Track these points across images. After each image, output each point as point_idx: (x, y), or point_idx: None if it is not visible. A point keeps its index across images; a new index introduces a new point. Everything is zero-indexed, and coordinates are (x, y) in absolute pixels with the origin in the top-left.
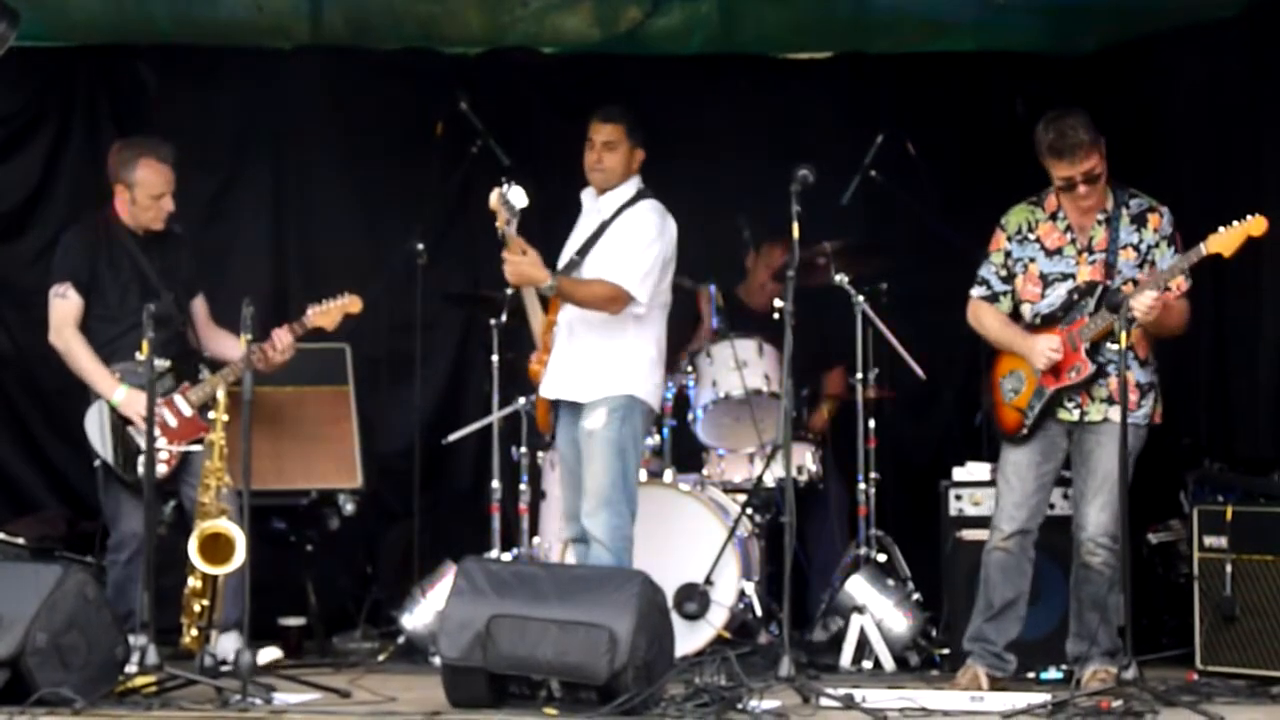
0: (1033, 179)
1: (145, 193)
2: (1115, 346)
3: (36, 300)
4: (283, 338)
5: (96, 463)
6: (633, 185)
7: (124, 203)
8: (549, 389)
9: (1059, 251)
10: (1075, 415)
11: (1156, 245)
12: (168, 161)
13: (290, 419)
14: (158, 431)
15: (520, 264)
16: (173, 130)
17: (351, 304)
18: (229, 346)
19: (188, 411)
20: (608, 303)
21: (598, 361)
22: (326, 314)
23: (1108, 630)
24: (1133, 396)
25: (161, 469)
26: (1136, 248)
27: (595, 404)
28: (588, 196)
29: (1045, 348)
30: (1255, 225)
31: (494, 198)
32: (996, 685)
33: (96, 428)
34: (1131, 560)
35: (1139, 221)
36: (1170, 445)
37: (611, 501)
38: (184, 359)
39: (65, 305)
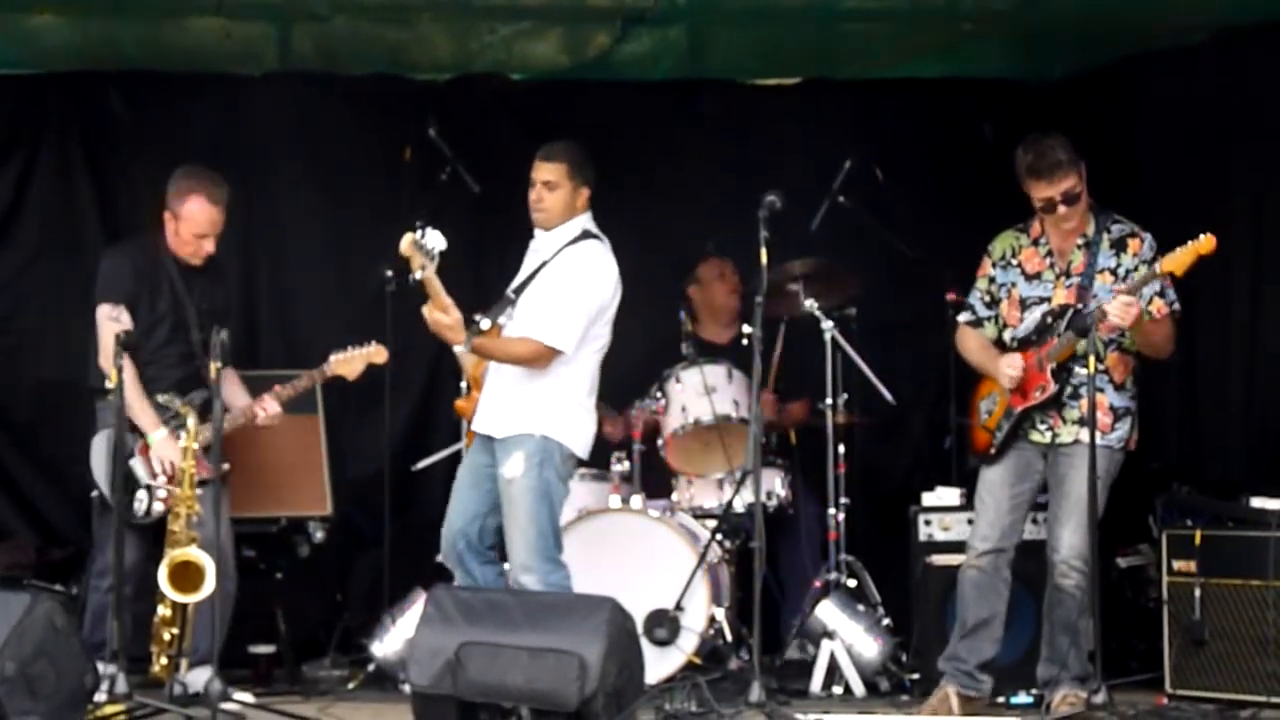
0: (1001, 204)
1: (189, 229)
2: (1085, 370)
3: (6, 327)
4: (272, 406)
5: (94, 494)
6: (578, 225)
7: (170, 231)
8: (477, 424)
9: (1038, 276)
10: (1047, 437)
11: (1135, 269)
12: (220, 204)
13: (260, 447)
14: (158, 469)
15: (439, 323)
16: (141, 156)
17: (377, 354)
18: (236, 393)
19: (185, 444)
20: (530, 360)
21: (517, 398)
22: (349, 362)
23: (1078, 654)
24: (1106, 419)
25: (159, 507)
26: (1114, 272)
27: (509, 445)
28: (539, 232)
29: (1005, 366)
30: (1205, 244)
31: (405, 243)
32: (968, 708)
33: (101, 459)
34: (1101, 584)
35: (1119, 246)
36: (1139, 469)
37: (542, 551)
38: (196, 401)
39: (119, 329)
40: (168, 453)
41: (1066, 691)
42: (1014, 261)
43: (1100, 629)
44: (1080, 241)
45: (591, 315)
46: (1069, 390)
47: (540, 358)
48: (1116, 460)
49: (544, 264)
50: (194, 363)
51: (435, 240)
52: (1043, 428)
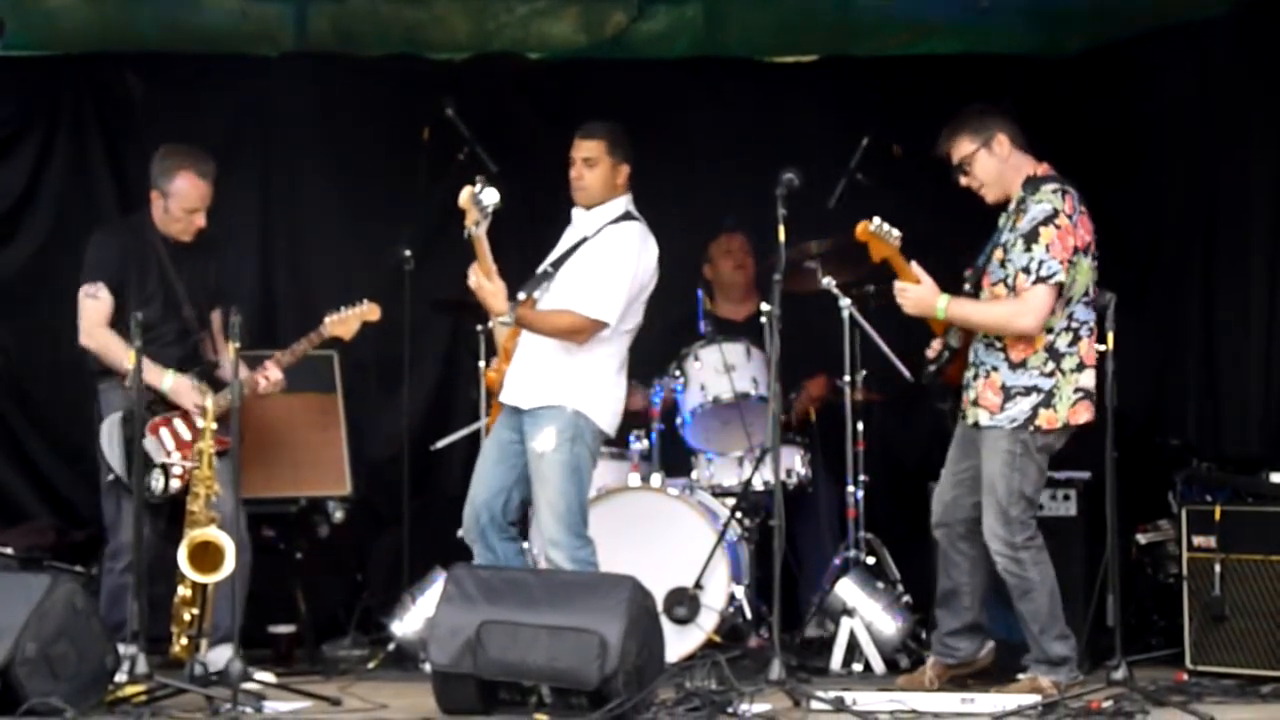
0: None
1: (179, 204)
2: (983, 346)
3: (24, 310)
4: (274, 372)
5: (110, 477)
6: (620, 204)
7: (158, 210)
8: (505, 395)
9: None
10: (961, 418)
11: (1015, 243)
12: (207, 178)
13: (279, 426)
14: (172, 445)
15: (484, 290)
16: (158, 137)
17: (370, 311)
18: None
19: (201, 425)
20: (572, 333)
21: (548, 370)
22: (344, 322)
23: (1033, 639)
24: (996, 398)
25: (175, 484)
26: (1004, 247)
27: (540, 418)
28: (578, 211)
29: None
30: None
31: (464, 196)
32: (950, 673)
33: (110, 441)
34: (1120, 560)
35: (1014, 220)
36: (1159, 445)
37: (571, 527)
38: (200, 374)
39: (97, 305)
40: (184, 394)
41: (1025, 676)
42: None
43: (1120, 605)
44: (1004, 215)
45: (633, 293)
46: (973, 371)
47: (582, 330)
48: (1022, 440)
49: (584, 240)
50: (190, 339)
51: (491, 197)
52: (962, 404)
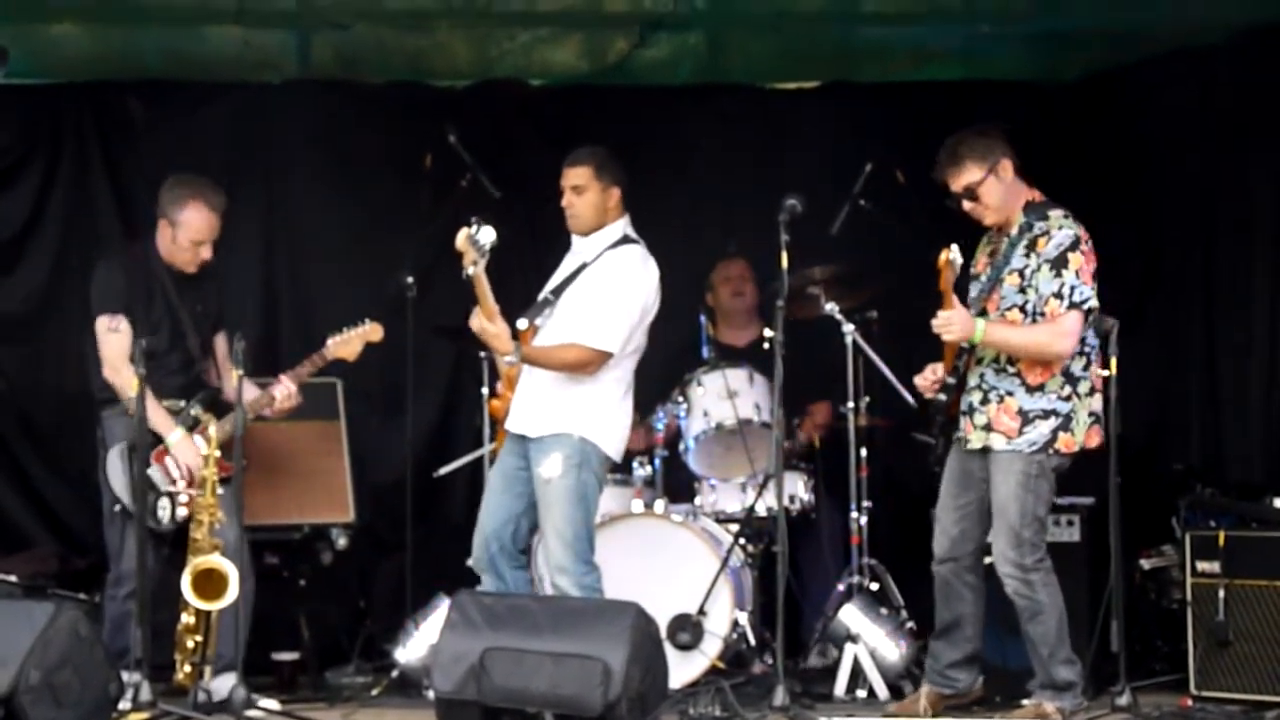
0: None
1: (187, 235)
2: (993, 371)
3: (27, 336)
4: (287, 386)
5: (117, 508)
6: (618, 228)
7: (165, 239)
8: (512, 424)
9: (977, 278)
10: (963, 444)
11: (1038, 269)
12: (217, 210)
13: (282, 453)
14: (177, 475)
15: (487, 331)
16: (161, 165)
17: (373, 331)
18: (246, 389)
19: (205, 451)
20: (579, 367)
21: (554, 398)
22: (347, 344)
23: (1041, 663)
24: (1013, 423)
25: (182, 512)
26: (1021, 272)
27: (546, 445)
28: (577, 236)
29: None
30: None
31: (461, 238)
32: (946, 703)
33: (118, 472)
34: (1124, 586)
35: (1031, 245)
36: (1162, 471)
37: (578, 554)
38: (205, 400)
39: (119, 339)
40: (186, 453)
41: (1030, 702)
42: (974, 265)
43: (1124, 630)
44: (1008, 241)
45: (636, 319)
46: (980, 395)
47: (590, 363)
48: (1038, 462)
49: (584, 266)
50: (194, 369)
51: (487, 236)
52: (960, 432)
